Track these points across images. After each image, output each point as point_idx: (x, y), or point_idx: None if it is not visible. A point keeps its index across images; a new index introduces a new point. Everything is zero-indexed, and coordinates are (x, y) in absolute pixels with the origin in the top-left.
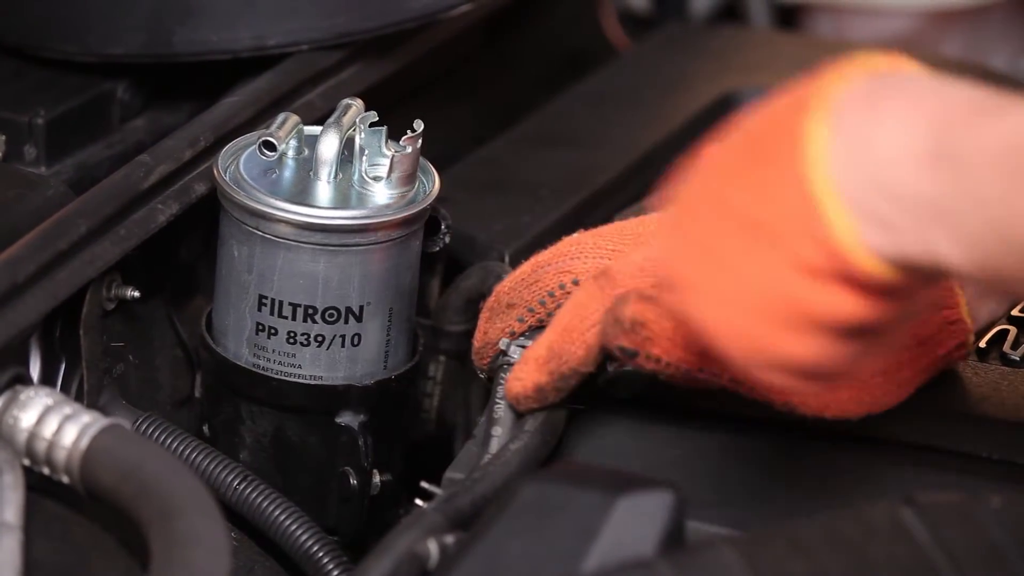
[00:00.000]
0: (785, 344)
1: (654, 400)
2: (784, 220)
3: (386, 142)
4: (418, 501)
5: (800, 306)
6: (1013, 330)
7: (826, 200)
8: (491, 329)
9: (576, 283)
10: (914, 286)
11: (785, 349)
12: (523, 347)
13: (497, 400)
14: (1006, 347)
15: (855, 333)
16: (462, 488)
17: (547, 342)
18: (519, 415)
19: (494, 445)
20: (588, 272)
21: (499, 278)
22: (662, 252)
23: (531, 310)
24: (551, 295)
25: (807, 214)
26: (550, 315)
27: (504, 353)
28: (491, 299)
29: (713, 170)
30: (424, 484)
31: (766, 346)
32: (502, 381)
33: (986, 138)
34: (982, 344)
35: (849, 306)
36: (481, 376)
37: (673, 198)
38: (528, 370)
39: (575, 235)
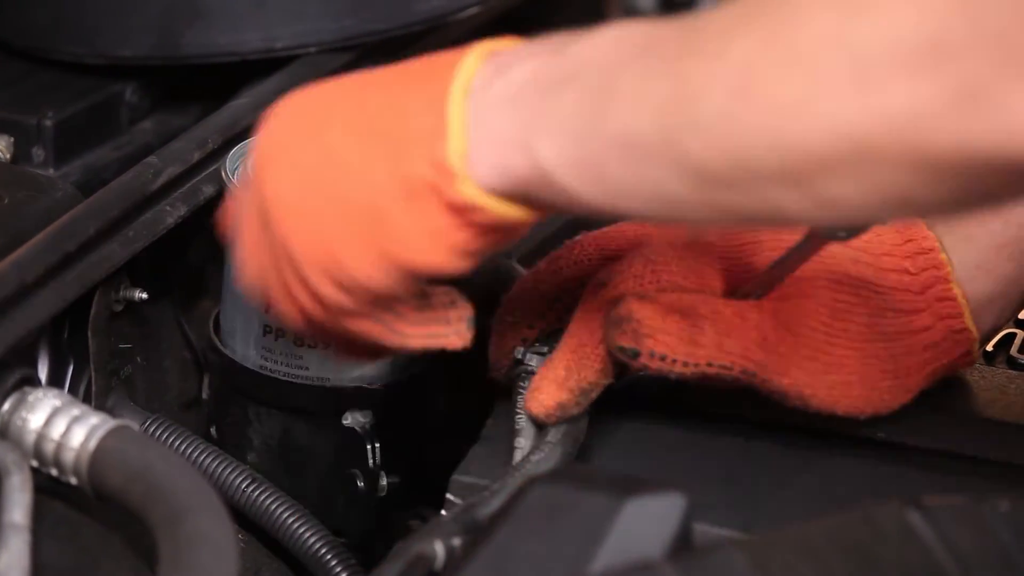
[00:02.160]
0: (355, 259)
1: (662, 403)
2: (413, 136)
3: None
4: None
5: (385, 225)
6: (1020, 334)
7: (454, 118)
8: (504, 341)
9: (583, 285)
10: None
11: (352, 264)
12: (539, 354)
13: (518, 410)
14: (1013, 350)
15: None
16: (480, 499)
17: (563, 361)
18: (540, 426)
19: (517, 456)
20: (593, 274)
21: (508, 276)
22: (261, 139)
23: (540, 315)
24: (558, 299)
25: (436, 132)
26: (559, 319)
27: (521, 362)
28: (500, 311)
29: (355, 82)
30: (449, 496)
31: (339, 258)
32: (521, 391)
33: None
34: (989, 348)
35: (436, 240)
36: (492, 378)
37: (296, 98)
38: (549, 391)
39: (578, 238)
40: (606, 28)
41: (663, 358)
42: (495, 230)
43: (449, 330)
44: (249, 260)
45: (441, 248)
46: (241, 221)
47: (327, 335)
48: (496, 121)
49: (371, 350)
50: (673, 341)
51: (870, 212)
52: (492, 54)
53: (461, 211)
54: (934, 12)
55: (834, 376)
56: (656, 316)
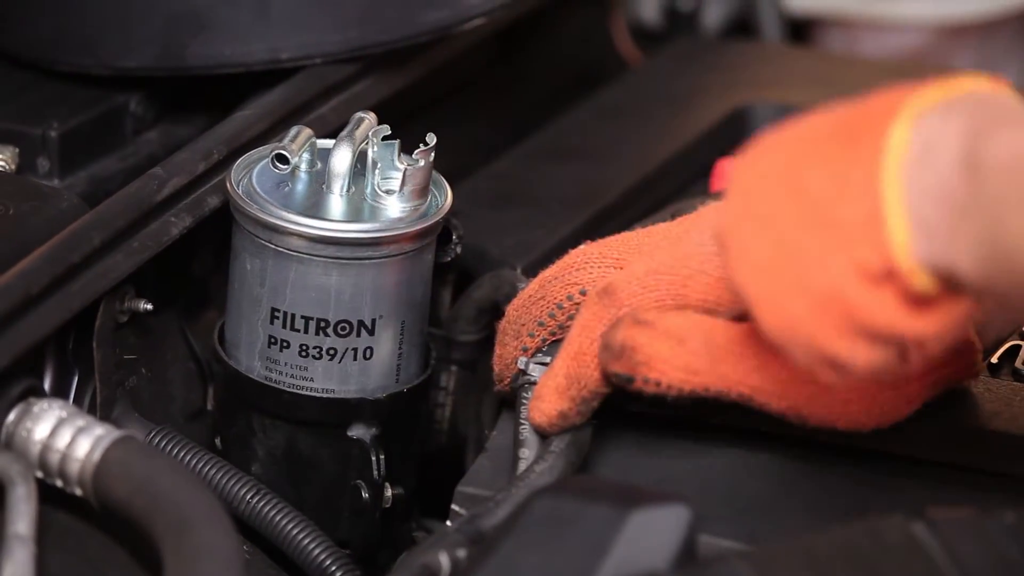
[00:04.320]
0: (833, 344)
1: (666, 414)
2: (854, 220)
3: (399, 155)
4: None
5: (854, 310)
6: None
7: (892, 206)
8: (506, 351)
9: (583, 293)
10: (946, 300)
11: (832, 349)
12: (541, 364)
13: (521, 421)
14: (1018, 363)
15: (896, 343)
16: (485, 510)
17: (563, 369)
18: (544, 436)
19: (521, 467)
20: (594, 283)
21: (511, 286)
22: (723, 215)
23: (541, 324)
24: (560, 307)
25: (875, 217)
26: (561, 327)
27: (524, 372)
28: (502, 322)
29: (792, 148)
30: (454, 507)
31: (815, 342)
32: (525, 401)
33: (1001, 146)
34: (994, 360)
35: (895, 315)
36: (498, 391)
37: (743, 168)
38: (550, 400)
39: (580, 247)
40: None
41: (657, 384)
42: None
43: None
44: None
45: (920, 323)
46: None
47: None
48: (928, 215)
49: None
50: (668, 368)
51: None
52: (918, 120)
53: (915, 298)
54: None
55: (832, 395)
56: (651, 342)
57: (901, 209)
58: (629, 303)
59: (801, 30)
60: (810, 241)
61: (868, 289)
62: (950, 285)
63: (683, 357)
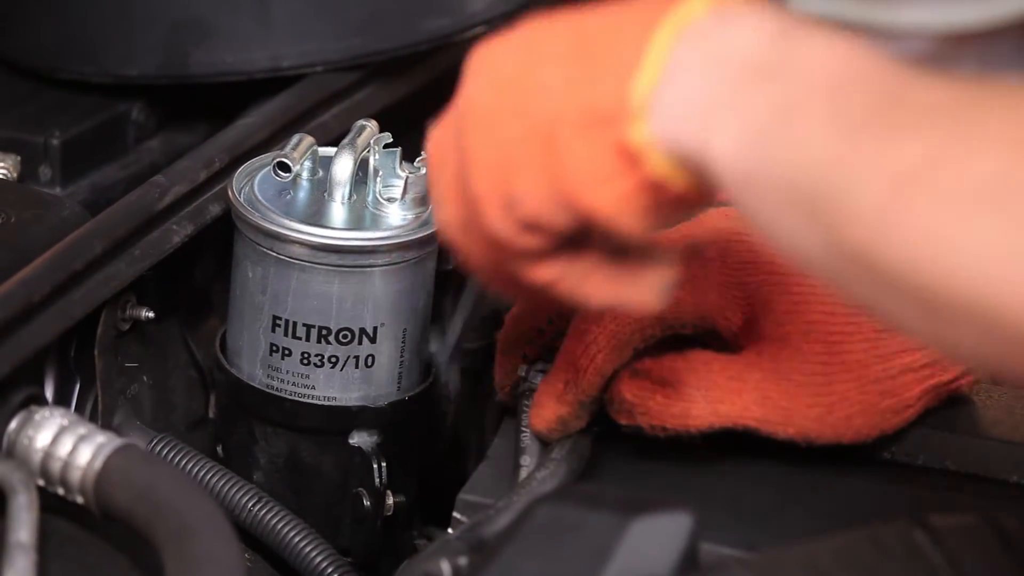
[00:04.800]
0: (524, 183)
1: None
2: (609, 59)
3: (400, 163)
4: (449, 530)
5: (561, 151)
6: None
7: (655, 52)
8: (507, 359)
9: None
10: (668, 196)
11: (521, 188)
12: (542, 372)
13: (523, 428)
14: None
15: (573, 209)
16: (486, 517)
17: (561, 375)
18: (545, 443)
19: (523, 475)
20: None
21: None
22: (482, 57)
23: (540, 331)
24: (558, 314)
25: (631, 60)
26: (560, 334)
27: (524, 380)
28: (502, 332)
29: (589, 4)
30: (456, 514)
31: (512, 181)
32: (526, 409)
33: (815, 49)
34: None
35: (593, 170)
36: (500, 400)
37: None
38: (549, 406)
39: None
40: (842, 43)
41: (664, 429)
42: (662, 194)
43: (635, 292)
44: (443, 193)
45: (611, 196)
46: (442, 148)
47: (508, 283)
48: (692, 83)
49: (546, 299)
50: (667, 416)
51: (976, 364)
52: (722, 5)
53: (627, 156)
54: None
55: (837, 414)
56: (647, 394)
57: (661, 64)
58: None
59: None
60: (555, 71)
61: (581, 131)
62: (682, 174)
63: (678, 405)
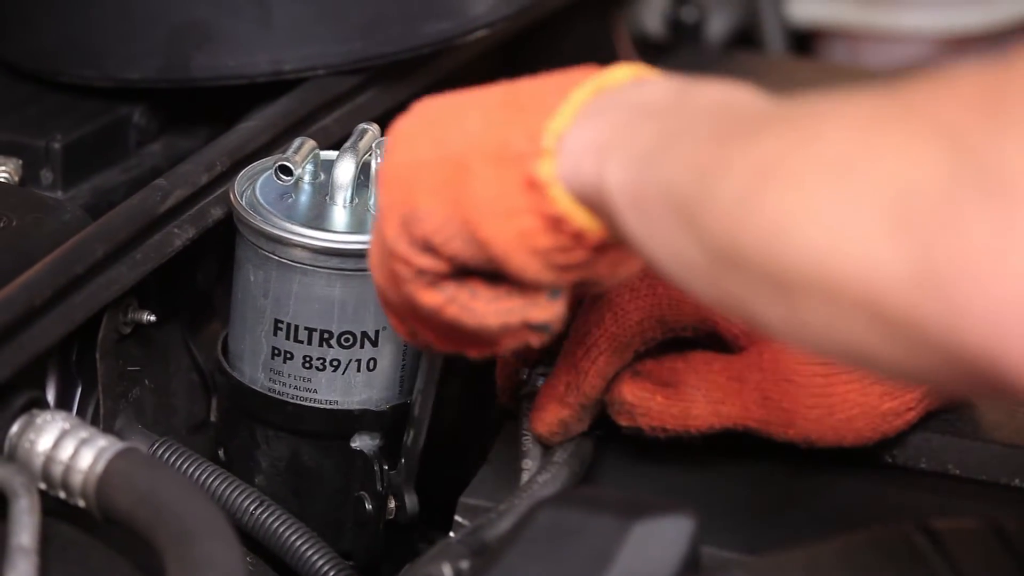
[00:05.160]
0: (430, 214)
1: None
2: (532, 107)
3: None
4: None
5: (469, 180)
6: None
7: (566, 109)
8: (508, 363)
9: (581, 303)
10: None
11: (427, 218)
12: (543, 375)
13: (524, 432)
14: None
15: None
16: (487, 521)
17: (562, 378)
18: (547, 446)
19: (524, 478)
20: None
21: None
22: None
23: None
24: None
25: (550, 109)
26: (561, 336)
27: (525, 382)
28: None
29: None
30: (457, 518)
31: (414, 204)
32: (527, 412)
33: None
34: None
35: (507, 217)
36: (501, 404)
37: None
38: (550, 408)
39: None
40: (731, 86)
41: (664, 430)
42: (561, 232)
43: (525, 302)
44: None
45: (510, 231)
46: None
47: (407, 314)
48: (597, 127)
49: (457, 336)
50: (666, 418)
51: (836, 350)
52: (642, 72)
53: (532, 190)
54: (932, 176)
55: (838, 415)
56: (647, 395)
57: (576, 111)
58: (624, 309)
59: (804, 41)
60: (478, 116)
61: (492, 165)
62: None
63: (679, 406)
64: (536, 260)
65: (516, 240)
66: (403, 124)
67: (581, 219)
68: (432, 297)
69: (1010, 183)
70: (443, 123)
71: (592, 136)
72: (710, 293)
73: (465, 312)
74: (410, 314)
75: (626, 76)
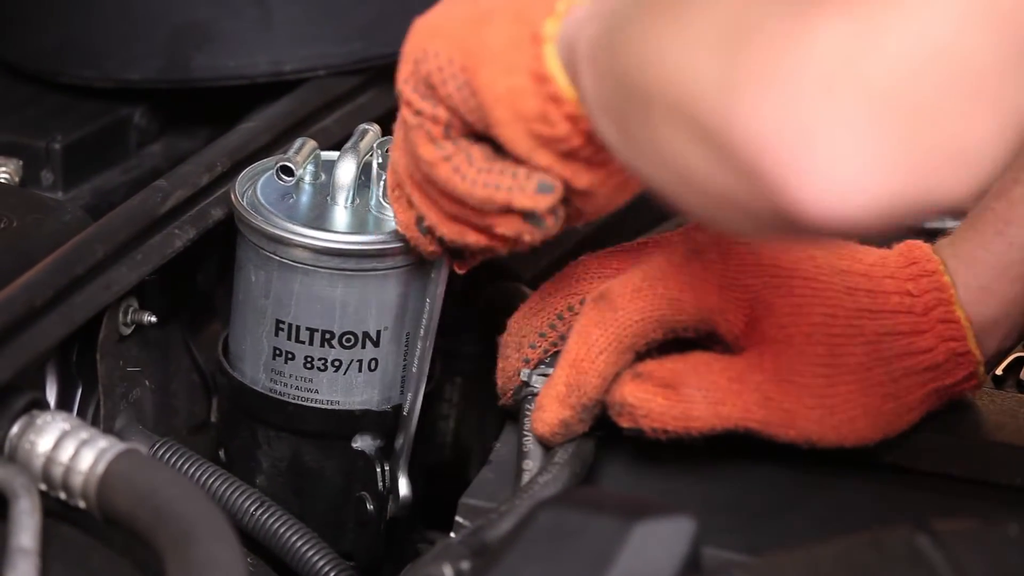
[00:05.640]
0: (439, 56)
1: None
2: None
3: None
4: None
5: (483, 29)
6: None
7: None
8: (508, 363)
9: (584, 303)
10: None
11: (435, 58)
12: (544, 375)
13: (525, 432)
14: (1022, 374)
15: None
16: (488, 521)
17: (563, 378)
18: (548, 447)
19: (525, 479)
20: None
21: (515, 298)
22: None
23: (542, 335)
24: (560, 318)
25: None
26: (562, 338)
27: (527, 384)
28: (504, 335)
29: None
30: (458, 518)
31: (426, 47)
32: (528, 413)
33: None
34: (998, 371)
35: (509, 70)
36: (502, 405)
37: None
38: (551, 409)
39: (580, 258)
40: None
41: (665, 432)
42: (544, 96)
43: (513, 184)
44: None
45: (502, 84)
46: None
47: (412, 186)
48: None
49: (455, 214)
50: (667, 419)
51: (671, 170)
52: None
53: (534, 45)
54: (756, 5)
55: (839, 416)
56: (648, 396)
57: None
58: (625, 309)
59: None
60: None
61: (508, 20)
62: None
63: (680, 407)
64: (518, 124)
65: (504, 95)
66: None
67: (561, 82)
68: (429, 151)
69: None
70: None
71: (587, 23)
72: (619, 136)
73: (456, 175)
74: (414, 185)
75: None
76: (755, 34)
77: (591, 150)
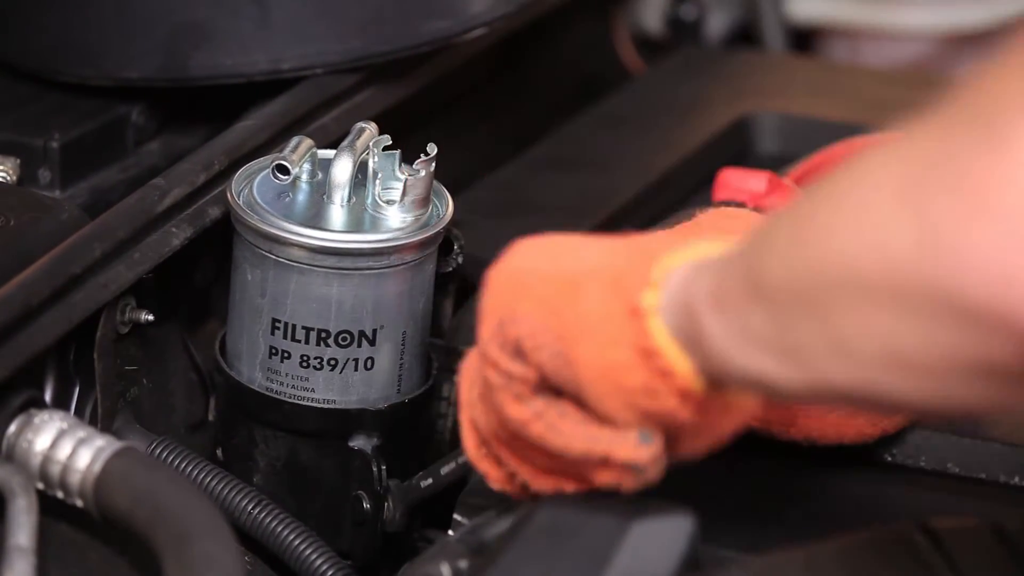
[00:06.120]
0: (527, 324)
1: None
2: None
3: (400, 166)
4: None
5: (576, 298)
6: None
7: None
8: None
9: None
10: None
11: (522, 326)
12: None
13: None
14: None
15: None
16: (487, 520)
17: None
18: None
19: None
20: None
21: None
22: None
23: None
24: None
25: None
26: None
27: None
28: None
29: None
30: (456, 516)
31: (514, 314)
32: None
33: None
34: None
35: (606, 343)
36: None
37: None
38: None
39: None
40: None
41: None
42: (651, 369)
43: (613, 437)
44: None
45: (602, 359)
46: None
47: (499, 444)
48: (693, 282)
49: (550, 467)
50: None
51: (872, 355)
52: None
53: (636, 319)
54: (930, 146)
55: (838, 412)
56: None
57: (678, 261)
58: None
59: (804, 39)
60: (590, 247)
61: (602, 286)
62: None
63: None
64: (618, 397)
65: (604, 370)
66: (522, 242)
67: (672, 355)
68: (519, 411)
69: (1000, 128)
70: (562, 248)
71: (698, 280)
72: (787, 365)
73: (551, 431)
74: (502, 443)
75: (716, 250)
76: (946, 178)
77: (699, 418)
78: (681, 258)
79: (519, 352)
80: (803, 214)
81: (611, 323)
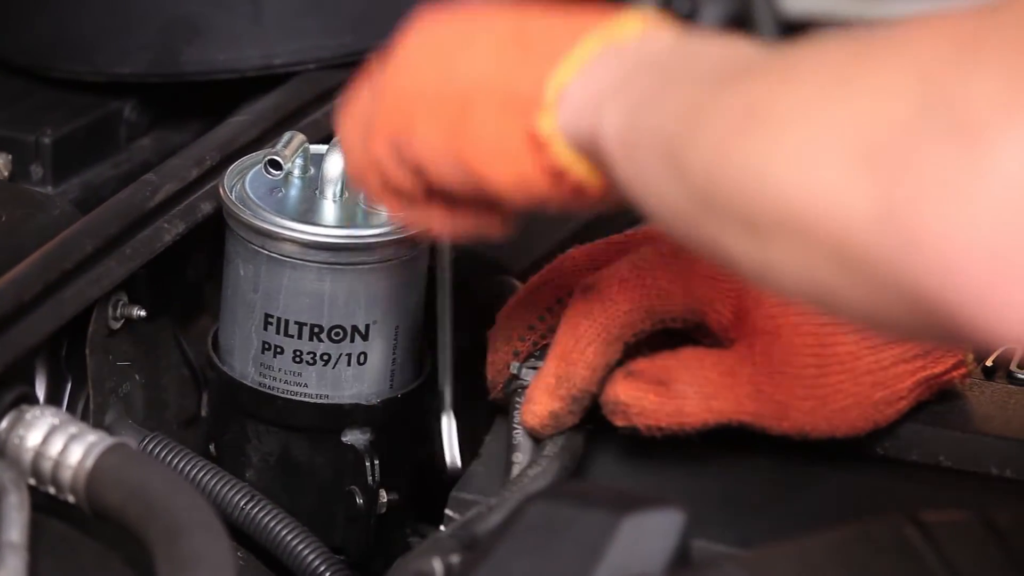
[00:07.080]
0: (424, 142)
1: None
2: (540, 53)
3: None
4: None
5: (471, 118)
6: (1019, 349)
7: (572, 60)
8: (497, 357)
9: (572, 295)
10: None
11: (420, 145)
12: (534, 368)
13: (515, 425)
14: (1013, 366)
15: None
16: (478, 515)
17: (553, 369)
18: (538, 440)
19: (515, 472)
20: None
21: (505, 292)
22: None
23: (531, 327)
24: (549, 311)
25: (556, 58)
26: (551, 330)
27: (516, 376)
28: (492, 330)
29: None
30: (448, 512)
31: (413, 125)
32: (518, 406)
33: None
34: (989, 363)
35: (504, 160)
36: (493, 399)
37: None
38: (540, 401)
39: (569, 251)
40: (729, 40)
41: (659, 429)
42: (563, 181)
43: (492, 225)
44: (353, 105)
45: (510, 173)
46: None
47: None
48: (597, 80)
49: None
50: (660, 416)
51: (804, 291)
52: (650, 24)
53: (534, 142)
54: (899, 113)
55: (831, 406)
56: (641, 394)
57: (583, 62)
58: (614, 300)
59: (797, 32)
60: (492, 48)
61: (496, 107)
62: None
63: (673, 404)
64: (536, 197)
65: (515, 181)
66: (409, 44)
67: (581, 171)
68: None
69: (974, 121)
70: (450, 52)
71: (594, 87)
72: (691, 236)
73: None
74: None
75: (635, 30)
76: (912, 156)
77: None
78: (570, 71)
79: (418, 172)
80: (740, 112)
81: (511, 143)
